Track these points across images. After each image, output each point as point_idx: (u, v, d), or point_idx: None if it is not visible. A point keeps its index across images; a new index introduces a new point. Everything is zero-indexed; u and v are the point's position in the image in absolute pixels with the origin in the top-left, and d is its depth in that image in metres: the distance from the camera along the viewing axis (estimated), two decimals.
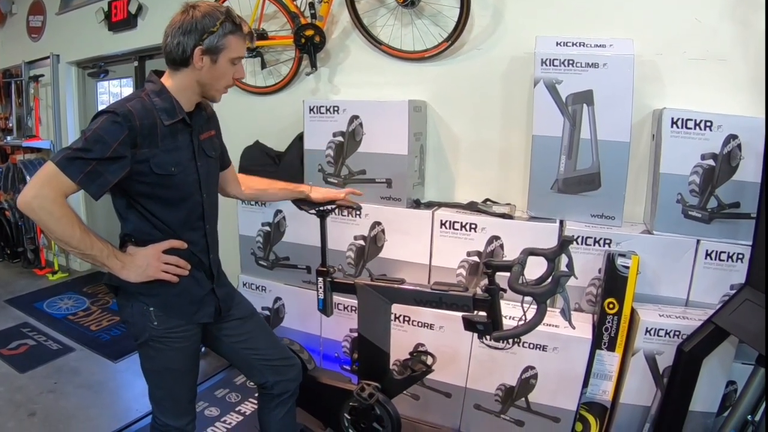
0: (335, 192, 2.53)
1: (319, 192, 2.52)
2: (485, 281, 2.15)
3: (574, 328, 2.13)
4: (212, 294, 2.09)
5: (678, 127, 2.62)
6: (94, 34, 5.12)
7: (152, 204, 1.89)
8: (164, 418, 2.10)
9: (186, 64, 1.85)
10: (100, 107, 5.47)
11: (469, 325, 2.09)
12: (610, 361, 2.69)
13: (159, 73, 1.95)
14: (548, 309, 1.90)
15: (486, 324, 2.07)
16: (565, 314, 2.01)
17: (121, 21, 4.81)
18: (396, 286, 2.35)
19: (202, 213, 2.03)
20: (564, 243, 2.12)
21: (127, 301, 1.96)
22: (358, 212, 2.66)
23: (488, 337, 2.10)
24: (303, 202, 2.52)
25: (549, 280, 1.96)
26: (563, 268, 2.19)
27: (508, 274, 1.99)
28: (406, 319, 2.99)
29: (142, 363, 2.06)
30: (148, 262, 1.88)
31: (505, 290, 2.03)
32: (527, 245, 2.21)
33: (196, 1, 1.87)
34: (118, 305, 2.04)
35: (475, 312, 2.15)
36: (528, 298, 1.90)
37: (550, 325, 2.60)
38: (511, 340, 2.15)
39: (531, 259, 2.12)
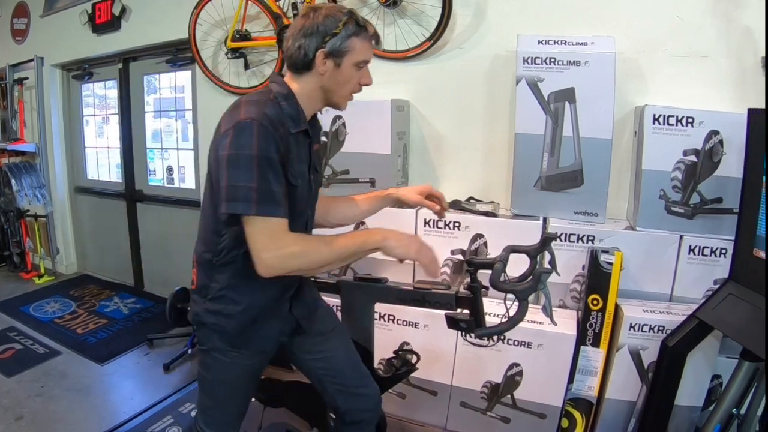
0: (428, 201, 2.26)
1: (409, 195, 2.25)
2: (468, 279, 2.15)
3: (555, 324, 2.13)
4: (290, 314, 1.95)
5: (660, 124, 2.64)
6: (78, 37, 5.11)
7: None
8: (206, 428, 2.00)
9: (308, 68, 1.75)
10: (86, 110, 5.53)
11: (452, 323, 2.09)
12: (594, 356, 2.70)
13: (280, 75, 1.85)
14: (532, 306, 1.91)
15: (469, 322, 2.06)
16: (547, 311, 2.01)
17: (105, 23, 4.81)
18: (378, 285, 2.34)
19: (305, 230, 1.92)
20: (546, 240, 2.13)
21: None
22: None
23: (471, 334, 2.10)
24: None
25: (530, 277, 1.97)
26: (546, 265, 2.19)
27: (490, 271, 1.99)
28: (391, 318, 2.99)
29: (199, 367, 1.97)
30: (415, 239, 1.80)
31: (487, 288, 2.03)
32: (511, 243, 2.21)
33: (318, 4, 1.79)
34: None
35: (458, 310, 2.15)
36: (511, 295, 1.91)
37: (534, 322, 2.61)
38: (495, 338, 2.15)
39: (514, 256, 2.13)
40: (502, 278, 1.94)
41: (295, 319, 1.96)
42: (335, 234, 1.74)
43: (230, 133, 1.61)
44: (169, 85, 4.91)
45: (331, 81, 1.77)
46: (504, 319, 1.91)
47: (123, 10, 4.65)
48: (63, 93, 5.75)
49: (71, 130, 5.82)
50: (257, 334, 1.87)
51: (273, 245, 1.59)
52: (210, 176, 1.76)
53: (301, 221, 1.84)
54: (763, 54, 2.64)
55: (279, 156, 1.63)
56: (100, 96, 5.58)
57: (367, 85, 1.85)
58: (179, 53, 4.47)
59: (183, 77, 4.71)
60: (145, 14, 4.54)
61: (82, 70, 5.43)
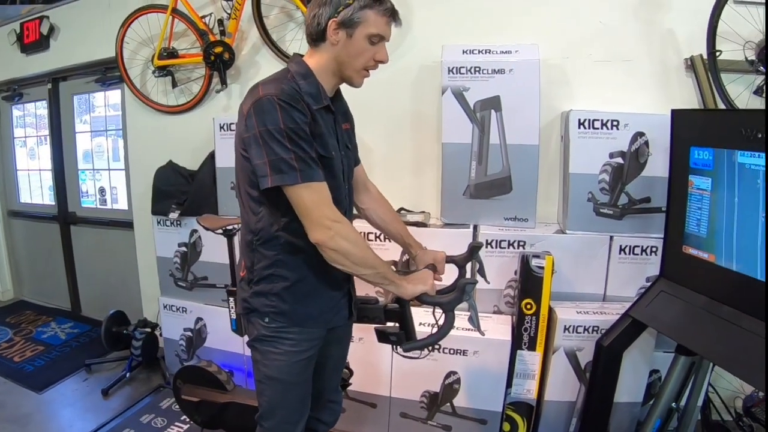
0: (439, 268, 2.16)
1: (424, 258, 2.17)
2: None
3: (483, 335, 2.14)
4: (348, 295, 1.98)
5: (585, 128, 2.69)
6: (6, 57, 4.96)
7: None
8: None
9: (323, 39, 1.75)
10: (18, 132, 5.38)
11: (382, 336, 2.07)
12: (531, 360, 2.72)
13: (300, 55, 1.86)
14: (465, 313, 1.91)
15: (399, 335, 2.05)
16: (474, 322, 2.01)
17: (33, 42, 4.67)
18: None
19: (348, 205, 1.96)
20: (473, 249, 2.13)
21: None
22: None
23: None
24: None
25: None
26: (476, 273, 2.20)
27: None
28: None
29: (253, 371, 1.97)
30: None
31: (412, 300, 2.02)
32: None
33: None
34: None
35: (388, 323, 2.13)
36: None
37: (468, 329, 2.59)
38: (428, 348, 2.14)
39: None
40: None
41: (350, 298, 2.00)
42: None
43: (252, 112, 1.64)
44: (100, 104, 4.80)
45: (342, 52, 1.76)
46: (434, 330, 1.90)
47: (51, 29, 4.53)
48: None
49: (2, 153, 5.66)
50: (316, 306, 1.87)
51: (327, 212, 1.65)
52: (239, 161, 1.77)
53: (339, 195, 1.84)
54: (686, 56, 2.73)
55: (307, 126, 1.65)
56: (35, 116, 5.43)
57: (382, 62, 1.83)
58: (108, 72, 4.37)
59: (114, 96, 4.60)
60: (73, 33, 4.43)
61: (12, 90, 5.28)
